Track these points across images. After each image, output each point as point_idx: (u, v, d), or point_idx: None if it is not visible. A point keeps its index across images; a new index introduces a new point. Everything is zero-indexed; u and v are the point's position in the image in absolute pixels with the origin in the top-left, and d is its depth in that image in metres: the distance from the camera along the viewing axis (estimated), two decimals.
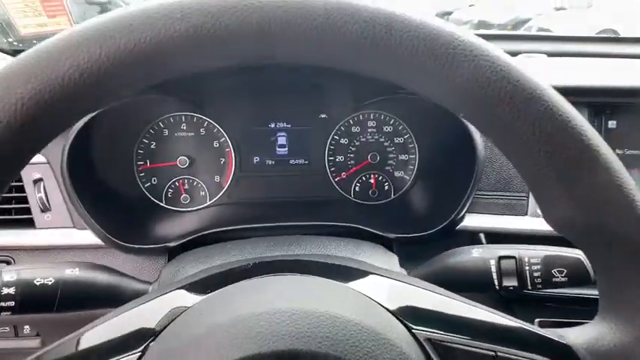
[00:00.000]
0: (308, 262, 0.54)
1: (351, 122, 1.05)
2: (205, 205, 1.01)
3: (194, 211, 1.01)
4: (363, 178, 1.07)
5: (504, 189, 0.94)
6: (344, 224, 0.94)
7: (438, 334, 0.40)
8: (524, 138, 0.34)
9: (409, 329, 0.40)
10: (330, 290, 0.43)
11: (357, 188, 1.06)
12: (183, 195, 1.00)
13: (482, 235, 0.93)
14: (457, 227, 0.90)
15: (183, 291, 0.45)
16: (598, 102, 0.94)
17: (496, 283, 0.62)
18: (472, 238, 0.94)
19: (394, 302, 0.43)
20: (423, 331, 0.40)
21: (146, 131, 0.98)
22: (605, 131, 0.96)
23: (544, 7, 13.60)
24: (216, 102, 0.98)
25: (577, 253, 0.61)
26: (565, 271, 0.61)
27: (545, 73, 0.96)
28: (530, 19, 11.99)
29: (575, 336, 0.43)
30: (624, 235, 0.40)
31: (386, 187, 1.07)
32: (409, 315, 0.41)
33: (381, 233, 0.91)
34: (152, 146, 0.99)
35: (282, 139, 1.04)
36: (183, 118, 0.99)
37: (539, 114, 0.33)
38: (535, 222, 0.91)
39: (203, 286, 0.45)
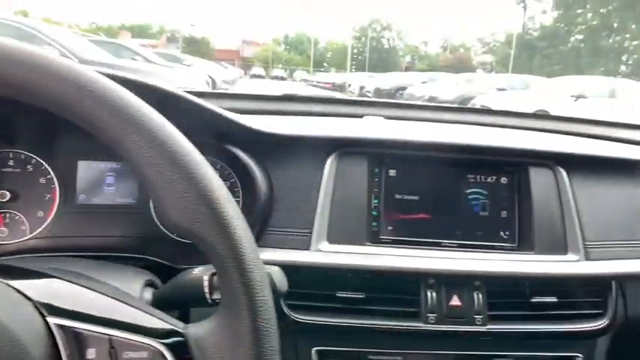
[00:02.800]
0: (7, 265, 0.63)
1: None
2: (25, 238, 1.07)
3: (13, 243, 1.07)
4: None
5: (292, 225, 1.05)
6: (151, 258, 1.02)
7: (68, 322, 0.50)
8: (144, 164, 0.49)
9: (44, 317, 0.50)
10: None
11: None
12: (1, 228, 1.07)
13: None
14: None
15: None
16: (377, 152, 1.10)
17: (207, 296, 0.71)
18: None
19: (42, 296, 0.52)
20: (55, 319, 0.50)
21: None
22: (385, 178, 1.11)
23: (489, 87, 14.77)
24: (40, 138, 1.07)
25: (267, 268, 0.72)
26: None
27: (346, 128, 1.13)
28: (474, 97, 12.99)
29: (194, 329, 0.55)
30: (212, 243, 0.53)
31: None
32: (48, 306, 0.51)
33: (173, 265, 1.00)
34: None
35: (110, 179, 1.13)
36: (10, 154, 1.08)
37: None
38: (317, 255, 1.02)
39: None
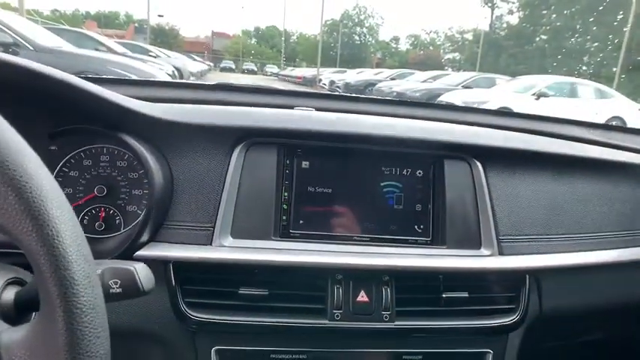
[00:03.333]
0: None
1: (82, 155, 1.08)
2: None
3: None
4: (93, 212, 1.08)
5: (193, 220, 0.99)
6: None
7: None
8: None
9: None
10: None
11: (84, 221, 1.07)
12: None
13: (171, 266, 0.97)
14: (137, 254, 0.93)
15: None
16: (288, 143, 1.05)
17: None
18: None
19: None
20: None
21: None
22: (297, 170, 1.06)
23: (455, 85, 15.03)
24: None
25: (131, 265, 0.66)
26: (119, 282, 0.65)
27: (256, 117, 1.07)
28: (441, 94, 13.18)
29: (8, 333, 0.48)
30: (18, 236, 0.46)
31: (117, 221, 1.08)
32: None
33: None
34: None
35: None
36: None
37: None
38: (218, 251, 0.96)
39: None
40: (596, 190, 1.21)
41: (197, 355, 0.99)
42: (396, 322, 0.99)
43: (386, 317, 0.98)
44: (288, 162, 1.06)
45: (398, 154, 1.09)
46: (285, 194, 1.05)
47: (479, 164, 1.11)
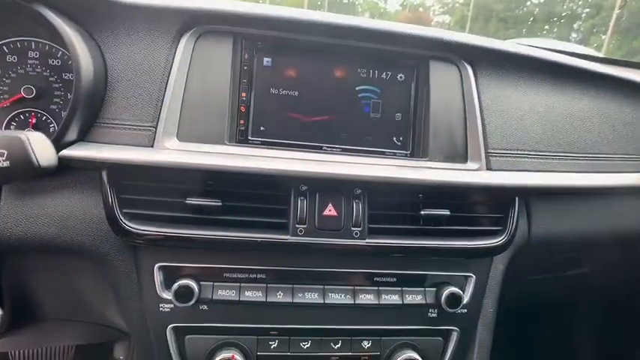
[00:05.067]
0: None
1: (5, 50, 0.91)
2: None
3: None
4: (22, 117, 0.92)
5: (132, 118, 0.84)
6: None
7: None
8: None
9: None
10: None
11: (12, 127, 0.91)
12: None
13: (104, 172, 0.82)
14: (62, 154, 0.77)
15: None
16: (247, 33, 0.89)
17: None
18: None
19: None
20: None
21: None
22: (258, 68, 0.90)
23: None
24: None
25: (22, 133, 0.50)
26: (6, 153, 0.50)
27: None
28: None
29: None
30: None
31: (51, 129, 0.92)
32: None
33: None
34: None
35: None
36: None
37: None
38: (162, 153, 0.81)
39: None
40: (597, 108, 1.08)
41: (138, 272, 0.85)
42: (368, 240, 0.87)
43: (356, 234, 0.86)
44: (246, 57, 0.90)
45: (376, 53, 0.93)
46: (244, 95, 0.90)
47: (469, 68, 0.96)
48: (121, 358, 1.87)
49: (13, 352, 1.77)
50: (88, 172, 0.83)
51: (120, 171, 0.82)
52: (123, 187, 0.82)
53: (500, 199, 0.96)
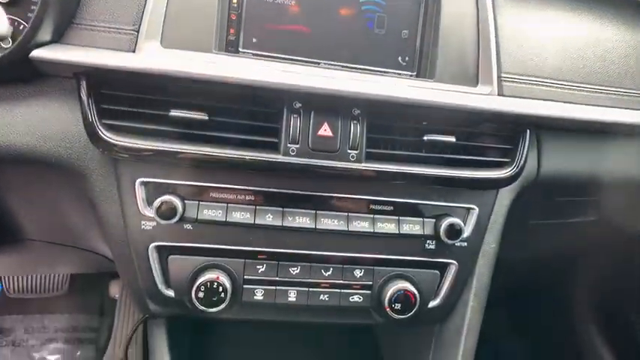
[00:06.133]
0: None
1: None
2: None
3: None
4: None
5: (112, 20, 0.76)
6: None
7: None
8: None
9: None
10: None
11: None
12: None
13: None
14: (33, 54, 0.70)
15: None
16: None
17: None
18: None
19: None
20: None
21: None
22: None
23: None
24: None
25: None
26: None
27: None
28: None
29: None
30: None
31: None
32: None
33: None
34: None
35: None
36: None
37: None
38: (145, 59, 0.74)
39: None
40: (623, 38, 0.98)
41: (119, 188, 0.80)
42: (365, 164, 0.81)
43: (353, 157, 0.80)
44: None
45: None
46: (235, 1, 0.81)
47: None
48: (116, 296, 1.87)
49: (7, 285, 1.77)
50: (65, 81, 0.77)
51: (98, 78, 0.75)
52: (102, 97, 0.76)
53: (511, 128, 0.89)
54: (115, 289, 1.89)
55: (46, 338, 1.84)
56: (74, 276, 1.86)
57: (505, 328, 2.00)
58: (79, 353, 1.83)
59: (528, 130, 0.90)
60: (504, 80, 0.87)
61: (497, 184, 0.89)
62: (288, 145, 0.78)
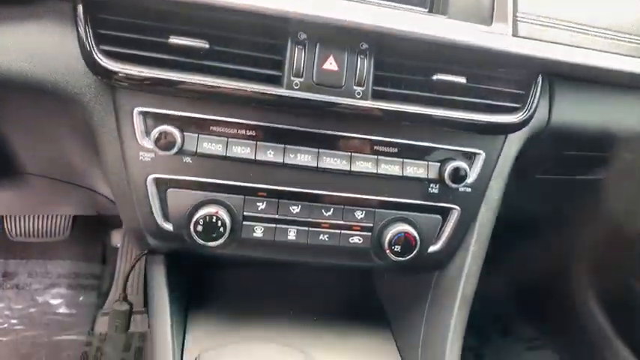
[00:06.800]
0: None
1: None
2: None
3: None
4: None
5: None
6: None
7: None
8: None
9: None
10: None
11: None
12: None
13: None
14: None
15: None
16: None
17: None
18: None
19: None
20: None
21: None
22: None
23: None
24: None
25: None
26: None
27: None
28: None
29: None
30: None
31: None
32: None
33: None
34: None
35: None
36: None
37: None
38: None
39: None
40: None
41: (117, 117, 0.78)
42: (371, 102, 0.78)
43: (358, 94, 0.77)
44: None
45: None
46: None
47: None
48: (118, 245, 1.89)
49: (9, 228, 1.79)
50: (63, 3, 0.73)
51: (95, 3, 0.72)
52: (99, 22, 0.73)
53: (523, 72, 0.85)
54: (116, 239, 1.91)
55: (49, 283, 1.88)
56: (76, 222, 1.87)
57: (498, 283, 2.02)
58: (81, 298, 1.86)
59: (541, 76, 0.86)
60: (520, 20, 0.83)
61: (506, 129, 0.87)
62: (292, 78, 0.75)
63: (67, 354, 1.65)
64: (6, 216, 1.74)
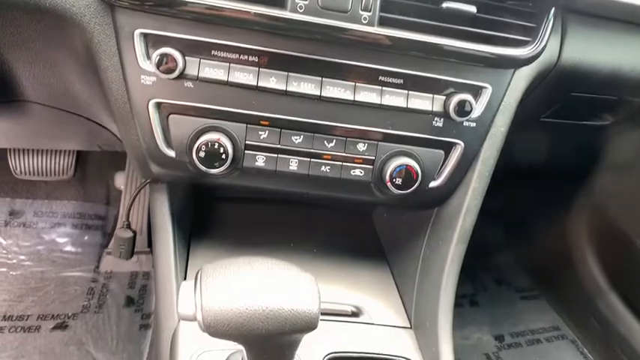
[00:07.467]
0: None
1: None
2: None
3: None
4: None
5: None
6: None
7: None
8: None
9: None
10: None
11: None
12: None
13: None
14: None
15: None
16: None
17: None
18: None
19: None
20: None
21: None
22: None
23: None
24: None
25: None
26: None
27: None
28: None
29: None
30: None
31: None
32: None
33: None
34: None
35: None
36: None
37: None
38: None
39: None
40: None
41: (118, 39, 0.76)
42: (378, 29, 0.76)
43: (365, 19, 0.75)
44: None
45: None
46: None
47: None
48: (122, 187, 1.91)
49: (14, 165, 1.80)
50: None
51: None
52: None
53: (536, 3, 0.82)
54: (120, 181, 1.92)
55: (54, 222, 1.91)
56: (79, 161, 1.89)
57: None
58: (86, 238, 1.90)
59: (554, 9, 0.83)
60: None
61: (514, 63, 0.85)
62: (297, 0, 0.73)
63: (74, 289, 1.70)
64: (10, 150, 1.74)
